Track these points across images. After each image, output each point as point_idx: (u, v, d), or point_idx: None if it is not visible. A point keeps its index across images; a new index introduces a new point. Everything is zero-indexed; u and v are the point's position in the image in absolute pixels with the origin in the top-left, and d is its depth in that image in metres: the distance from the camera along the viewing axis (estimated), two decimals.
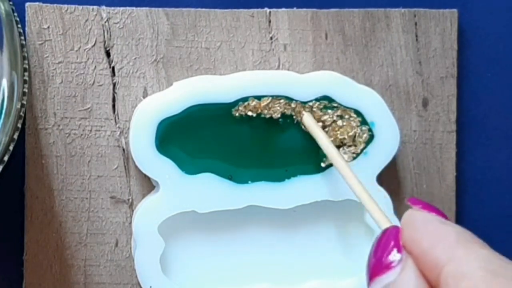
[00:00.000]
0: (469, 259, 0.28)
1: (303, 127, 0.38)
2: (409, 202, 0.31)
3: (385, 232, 0.31)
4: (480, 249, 0.28)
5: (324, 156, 0.39)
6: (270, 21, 0.40)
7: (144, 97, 0.39)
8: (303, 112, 0.38)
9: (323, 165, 0.39)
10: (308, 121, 0.38)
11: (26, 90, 0.34)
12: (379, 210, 0.33)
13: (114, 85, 0.39)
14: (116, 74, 0.39)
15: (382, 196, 0.39)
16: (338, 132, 0.39)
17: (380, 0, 0.41)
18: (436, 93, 0.41)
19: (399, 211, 0.39)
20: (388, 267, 0.29)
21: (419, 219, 0.30)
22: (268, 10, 0.40)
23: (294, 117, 0.38)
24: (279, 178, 0.39)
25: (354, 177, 0.35)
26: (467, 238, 0.29)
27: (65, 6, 0.39)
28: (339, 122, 0.39)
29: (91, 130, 0.39)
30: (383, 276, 0.29)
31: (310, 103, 0.38)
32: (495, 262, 0.28)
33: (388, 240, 0.30)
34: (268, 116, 0.38)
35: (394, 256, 0.30)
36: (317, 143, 0.38)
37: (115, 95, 0.39)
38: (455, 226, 0.29)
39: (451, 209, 0.41)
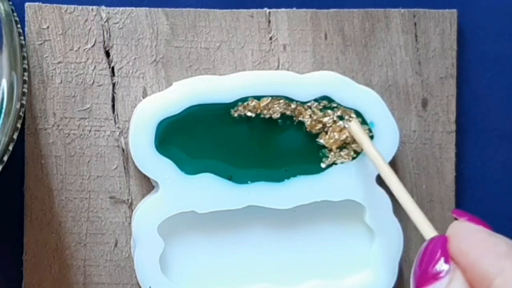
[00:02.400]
0: None
1: (347, 133, 0.38)
2: (454, 214, 0.31)
3: (431, 241, 0.30)
4: None
5: (324, 156, 0.39)
6: (269, 21, 0.40)
7: (143, 97, 0.39)
8: (351, 119, 0.38)
9: (323, 165, 0.39)
10: (356, 128, 0.38)
11: (25, 90, 0.34)
12: (425, 219, 0.32)
13: (113, 85, 0.39)
14: (116, 74, 0.39)
15: (382, 196, 0.39)
16: (339, 132, 0.39)
17: (379, 0, 0.41)
18: (435, 93, 0.41)
19: (398, 211, 0.39)
20: (435, 277, 0.29)
21: (467, 230, 0.29)
22: (267, 10, 0.40)
23: (293, 117, 0.38)
24: (279, 178, 0.39)
25: (400, 186, 0.35)
26: None
27: (65, 6, 0.39)
28: (340, 123, 0.39)
29: (90, 130, 0.39)
30: (430, 286, 0.29)
31: (310, 103, 0.38)
32: None
33: (435, 249, 0.30)
34: (267, 116, 0.38)
35: (441, 266, 0.29)
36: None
37: (115, 95, 0.39)
38: (503, 238, 0.29)
39: (451, 209, 0.41)
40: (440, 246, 0.30)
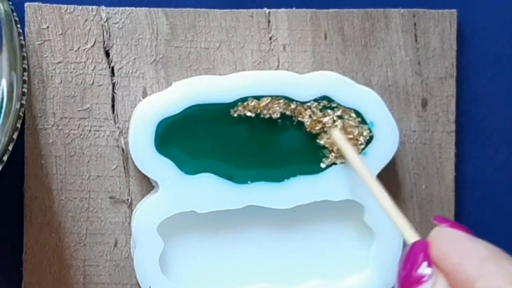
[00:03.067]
0: (499, 275, 0.28)
1: (330, 139, 0.38)
2: (436, 220, 0.31)
3: (413, 245, 0.31)
4: (510, 265, 0.28)
5: (324, 156, 0.39)
6: (269, 21, 0.40)
7: (143, 97, 0.39)
8: (333, 129, 0.38)
9: (323, 166, 0.39)
10: (338, 136, 0.38)
11: (25, 90, 0.34)
12: (407, 224, 0.33)
13: (113, 85, 0.39)
14: (116, 74, 0.39)
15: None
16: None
17: (379, 0, 0.41)
18: (435, 94, 0.41)
19: None
20: (418, 281, 0.30)
21: (448, 236, 0.30)
22: (267, 10, 0.40)
23: (293, 117, 0.38)
24: (279, 178, 0.39)
25: (381, 190, 0.35)
26: (498, 254, 0.29)
27: (65, 6, 0.39)
28: (339, 123, 0.39)
29: (90, 130, 0.39)
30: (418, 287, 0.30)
31: (310, 103, 0.38)
32: None
33: (417, 254, 0.30)
34: (267, 116, 0.38)
35: (424, 270, 0.30)
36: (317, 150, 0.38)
37: (115, 95, 0.39)
38: (484, 242, 0.30)
39: (450, 209, 0.41)
40: (422, 251, 0.30)
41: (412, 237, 0.32)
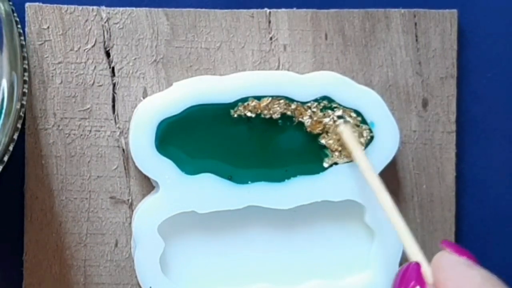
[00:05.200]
0: None
1: (337, 136, 0.38)
2: (443, 244, 0.33)
3: (407, 267, 0.32)
4: None
5: (326, 156, 0.39)
6: (270, 22, 0.40)
7: (144, 98, 0.39)
8: (340, 123, 0.38)
9: (325, 165, 0.39)
10: (346, 132, 0.38)
11: (26, 90, 0.34)
12: (412, 240, 0.34)
13: (114, 85, 0.39)
14: (116, 74, 0.39)
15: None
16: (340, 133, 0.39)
17: (380, 1, 0.41)
18: (435, 94, 0.41)
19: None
20: None
21: (448, 262, 0.31)
22: (268, 10, 0.40)
23: (294, 117, 0.38)
24: (279, 179, 0.39)
25: (389, 201, 0.36)
26: (491, 282, 0.30)
27: (65, 6, 0.39)
28: (340, 123, 0.39)
29: (90, 131, 0.39)
30: None
31: (310, 104, 0.38)
32: None
33: (410, 276, 0.32)
34: (267, 116, 0.38)
35: None
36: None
37: (115, 95, 0.39)
38: (480, 270, 0.31)
39: (451, 210, 0.41)
40: (415, 275, 0.32)
41: (414, 255, 0.33)
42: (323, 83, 0.39)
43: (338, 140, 0.39)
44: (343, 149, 0.39)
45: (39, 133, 0.39)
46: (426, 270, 0.32)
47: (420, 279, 0.31)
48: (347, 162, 0.39)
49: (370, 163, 0.37)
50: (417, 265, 0.32)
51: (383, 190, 0.36)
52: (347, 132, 0.38)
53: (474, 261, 0.31)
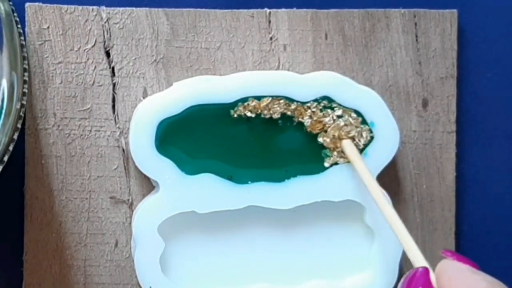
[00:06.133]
0: None
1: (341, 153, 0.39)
2: (444, 254, 0.32)
3: (415, 273, 0.32)
4: None
5: (327, 156, 0.39)
6: (270, 22, 0.40)
7: (144, 98, 0.39)
8: (344, 140, 0.38)
9: (326, 165, 0.39)
10: (348, 149, 0.38)
11: (26, 90, 0.34)
12: (415, 246, 0.34)
13: (114, 85, 0.39)
14: (116, 74, 0.39)
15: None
16: (339, 131, 0.39)
17: (380, 0, 0.41)
18: (436, 94, 0.41)
19: (398, 211, 0.39)
20: None
21: (452, 269, 0.31)
22: (268, 10, 0.40)
23: (293, 117, 0.38)
24: (279, 179, 0.39)
25: (391, 210, 0.36)
26: (496, 286, 0.30)
27: (65, 6, 0.39)
28: (340, 123, 0.39)
29: (91, 131, 0.39)
30: None
31: (310, 104, 0.38)
32: None
33: (418, 282, 0.32)
34: (267, 116, 0.38)
35: None
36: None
37: (115, 95, 0.39)
38: (484, 276, 0.31)
39: (451, 209, 0.41)
40: (422, 279, 0.32)
41: (418, 261, 0.33)
42: (323, 83, 0.39)
43: (334, 137, 0.38)
44: (340, 148, 0.39)
45: (39, 133, 0.39)
46: (432, 277, 0.32)
47: (428, 285, 0.31)
48: (348, 162, 0.39)
49: (371, 174, 0.37)
50: (426, 270, 0.32)
51: (385, 201, 0.36)
52: (349, 147, 0.38)
53: (476, 268, 0.31)
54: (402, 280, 0.32)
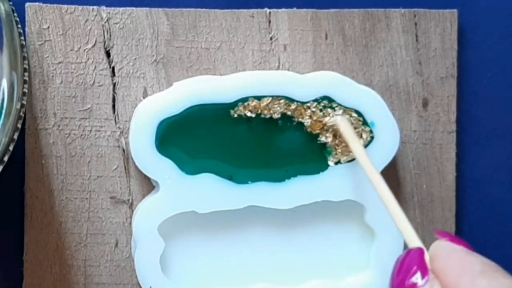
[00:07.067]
0: None
1: (334, 127, 0.38)
2: (437, 234, 0.32)
3: (408, 253, 0.32)
4: (502, 278, 0.29)
5: (330, 154, 0.39)
6: (270, 21, 0.40)
7: (144, 98, 0.39)
8: (337, 116, 0.38)
9: (330, 163, 0.39)
10: (343, 124, 0.38)
11: (26, 90, 0.34)
12: (410, 227, 0.33)
13: (114, 85, 0.39)
14: (116, 74, 0.39)
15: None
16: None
17: (380, 0, 0.41)
18: (436, 93, 0.41)
19: None
20: (413, 286, 0.30)
21: (446, 250, 0.31)
22: (268, 10, 0.40)
23: (294, 117, 0.38)
24: (279, 179, 0.39)
25: (387, 191, 0.35)
26: (491, 268, 0.29)
27: (65, 6, 0.39)
28: (336, 115, 0.38)
29: (91, 131, 0.39)
30: None
31: (310, 104, 0.38)
32: None
33: (411, 262, 0.31)
34: (268, 116, 0.38)
35: (417, 279, 0.30)
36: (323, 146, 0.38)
37: (115, 95, 0.39)
38: (479, 257, 0.30)
39: (451, 209, 0.41)
40: (417, 260, 0.31)
41: (412, 242, 0.33)
42: (323, 83, 0.39)
43: (335, 135, 0.38)
44: (342, 145, 0.39)
45: (39, 133, 0.39)
46: (426, 258, 0.31)
47: (422, 265, 0.31)
48: (350, 160, 0.39)
49: (367, 154, 0.37)
50: (420, 250, 0.31)
51: (381, 180, 0.36)
52: (344, 124, 0.38)
53: (470, 249, 0.31)
54: (396, 260, 0.32)
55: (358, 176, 0.39)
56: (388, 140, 0.39)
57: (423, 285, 0.30)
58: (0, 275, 0.40)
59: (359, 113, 0.39)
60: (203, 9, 0.40)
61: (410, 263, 0.31)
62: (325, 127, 0.39)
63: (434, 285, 0.30)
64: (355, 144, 0.37)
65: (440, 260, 0.30)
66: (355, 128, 0.39)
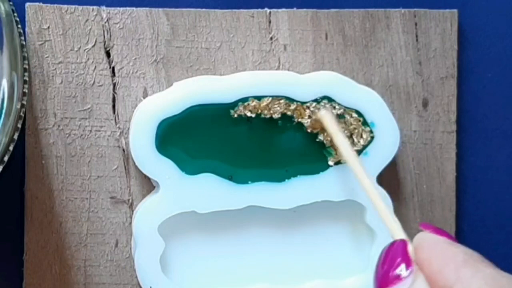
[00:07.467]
0: (475, 278, 0.29)
1: (316, 122, 0.38)
2: (421, 226, 0.32)
3: (392, 245, 0.32)
4: (485, 268, 0.29)
5: (330, 154, 0.39)
6: (270, 22, 0.40)
7: (144, 98, 0.39)
8: (321, 109, 0.38)
9: (330, 163, 0.39)
10: (327, 118, 0.38)
11: (26, 90, 0.34)
12: (393, 219, 0.34)
13: (114, 85, 0.39)
14: (116, 74, 0.39)
15: (383, 196, 0.39)
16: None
17: (380, 0, 0.41)
18: (436, 94, 0.41)
19: (399, 211, 0.39)
20: (397, 278, 0.30)
21: (429, 241, 0.31)
22: (268, 10, 0.40)
23: (294, 117, 0.38)
24: (279, 179, 0.39)
25: (369, 182, 0.35)
26: (474, 258, 0.30)
27: (65, 6, 0.39)
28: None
29: (91, 131, 0.39)
30: (393, 286, 0.30)
31: (310, 104, 0.38)
32: (500, 280, 0.29)
33: (395, 254, 0.31)
34: (268, 116, 0.38)
35: (401, 271, 0.31)
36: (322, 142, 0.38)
37: (115, 95, 0.39)
38: (462, 247, 0.30)
39: (451, 209, 0.41)
40: (400, 252, 0.31)
41: (396, 233, 0.33)
42: (323, 83, 0.39)
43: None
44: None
45: (39, 133, 0.39)
46: (409, 249, 0.32)
47: (406, 257, 0.31)
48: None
49: (350, 144, 0.37)
50: (403, 242, 0.32)
51: (361, 169, 0.36)
52: (327, 117, 0.38)
53: (453, 240, 0.31)
54: (380, 252, 0.32)
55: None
56: (388, 140, 0.39)
57: (407, 277, 0.30)
58: (0, 275, 0.40)
59: (359, 113, 0.39)
60: (203, 9, 0.40)
61: (394, 254, 0.31)
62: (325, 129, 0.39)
63: (418, 277, 0.30)
64: (337, 135, 0.37)
65: (423, 251, 0.31)
66: (355, 128, 0.39)
